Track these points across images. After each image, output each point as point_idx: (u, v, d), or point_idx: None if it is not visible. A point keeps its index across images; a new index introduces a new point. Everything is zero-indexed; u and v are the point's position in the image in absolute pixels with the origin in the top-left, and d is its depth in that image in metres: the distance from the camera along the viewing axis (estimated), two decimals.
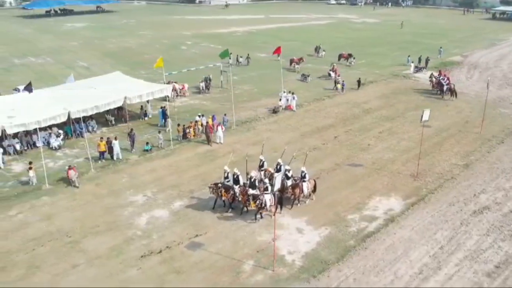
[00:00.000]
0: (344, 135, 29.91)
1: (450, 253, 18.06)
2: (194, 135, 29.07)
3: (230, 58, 38.81)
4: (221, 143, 28.32)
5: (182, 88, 37.61)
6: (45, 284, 16.29)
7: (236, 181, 20.65)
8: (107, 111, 30.70)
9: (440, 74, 40.48)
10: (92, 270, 16.98)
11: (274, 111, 33.90)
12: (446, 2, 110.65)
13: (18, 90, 36.32)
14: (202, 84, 38.91)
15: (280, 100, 34.32)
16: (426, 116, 23.55)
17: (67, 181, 23.47)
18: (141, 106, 32.63)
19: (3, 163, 25.66)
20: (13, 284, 16.27)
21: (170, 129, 29.29)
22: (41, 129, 27.82)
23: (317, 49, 54.19)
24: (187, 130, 28.86)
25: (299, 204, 21.24)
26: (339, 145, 28.31)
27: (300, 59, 46.75)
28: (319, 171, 24.69)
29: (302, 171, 21.23)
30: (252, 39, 64.13)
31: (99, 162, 25.70)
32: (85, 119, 29.62)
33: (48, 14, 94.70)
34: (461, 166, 25.51)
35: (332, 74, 43.22)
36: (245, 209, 20.56)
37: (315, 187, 21.53)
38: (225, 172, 21.08)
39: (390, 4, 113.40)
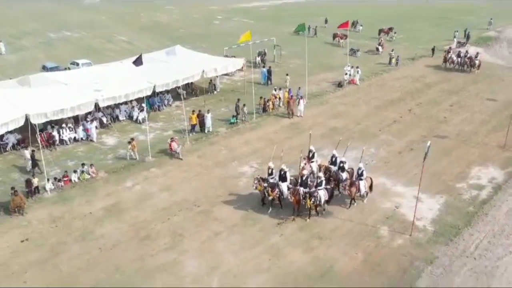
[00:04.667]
0: (417, 108, 30.54)
1: None
2: (273, 108, 29.45)
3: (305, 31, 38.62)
4: (301, 116, 28.75)
5: None
6: (196, 250, 16.84)
7: (283, 178, 18.89)
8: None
9: (449, 51, 40.72)
10: (236, 237, 17.56)
11: (340, 84, 34.30)
12: None
13: (77, 64, 36.25)
14: (258, 59, 39.01)
15: (346, 74, 34.66)
16: None
17: (168, 153, 23.86)
18: (210, 80, 32.73)
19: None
20: (165, 252, 16.81)
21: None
22: (122, 102, 28.03)
23: (354, 24, 54.13)
24: (267, 103, 29.20)
25: (355, 204, 19.48)
26: (417, 118, 28.94)
27: (344, 35, 46.70)
28: (410, 142, 25.46)
29: (359, 168, 19.29)
30: (282, 14, 63.80)
31: (191, 134, 26.00)
32: (162, 92, 29.82)
33: None
34: None
35: (380, 48, 43.58)
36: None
37: (371, 186, 19.65)
38: (269, 169, 19.27)
39: None
